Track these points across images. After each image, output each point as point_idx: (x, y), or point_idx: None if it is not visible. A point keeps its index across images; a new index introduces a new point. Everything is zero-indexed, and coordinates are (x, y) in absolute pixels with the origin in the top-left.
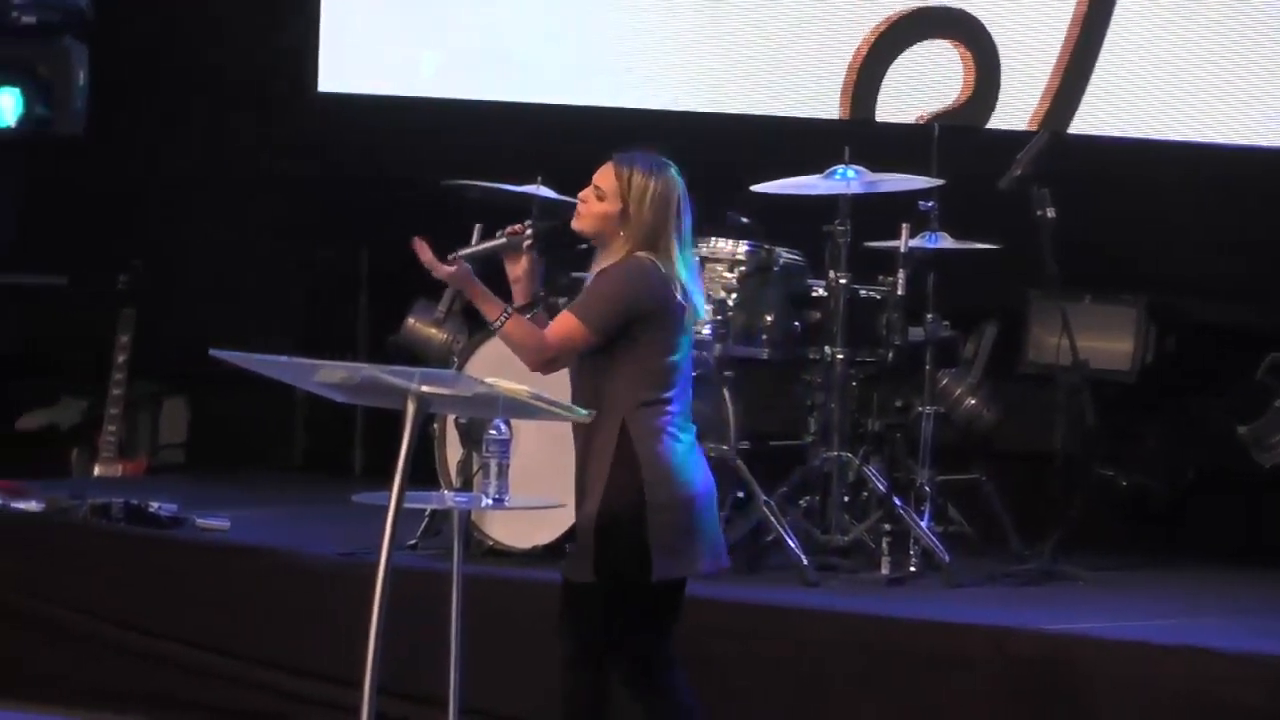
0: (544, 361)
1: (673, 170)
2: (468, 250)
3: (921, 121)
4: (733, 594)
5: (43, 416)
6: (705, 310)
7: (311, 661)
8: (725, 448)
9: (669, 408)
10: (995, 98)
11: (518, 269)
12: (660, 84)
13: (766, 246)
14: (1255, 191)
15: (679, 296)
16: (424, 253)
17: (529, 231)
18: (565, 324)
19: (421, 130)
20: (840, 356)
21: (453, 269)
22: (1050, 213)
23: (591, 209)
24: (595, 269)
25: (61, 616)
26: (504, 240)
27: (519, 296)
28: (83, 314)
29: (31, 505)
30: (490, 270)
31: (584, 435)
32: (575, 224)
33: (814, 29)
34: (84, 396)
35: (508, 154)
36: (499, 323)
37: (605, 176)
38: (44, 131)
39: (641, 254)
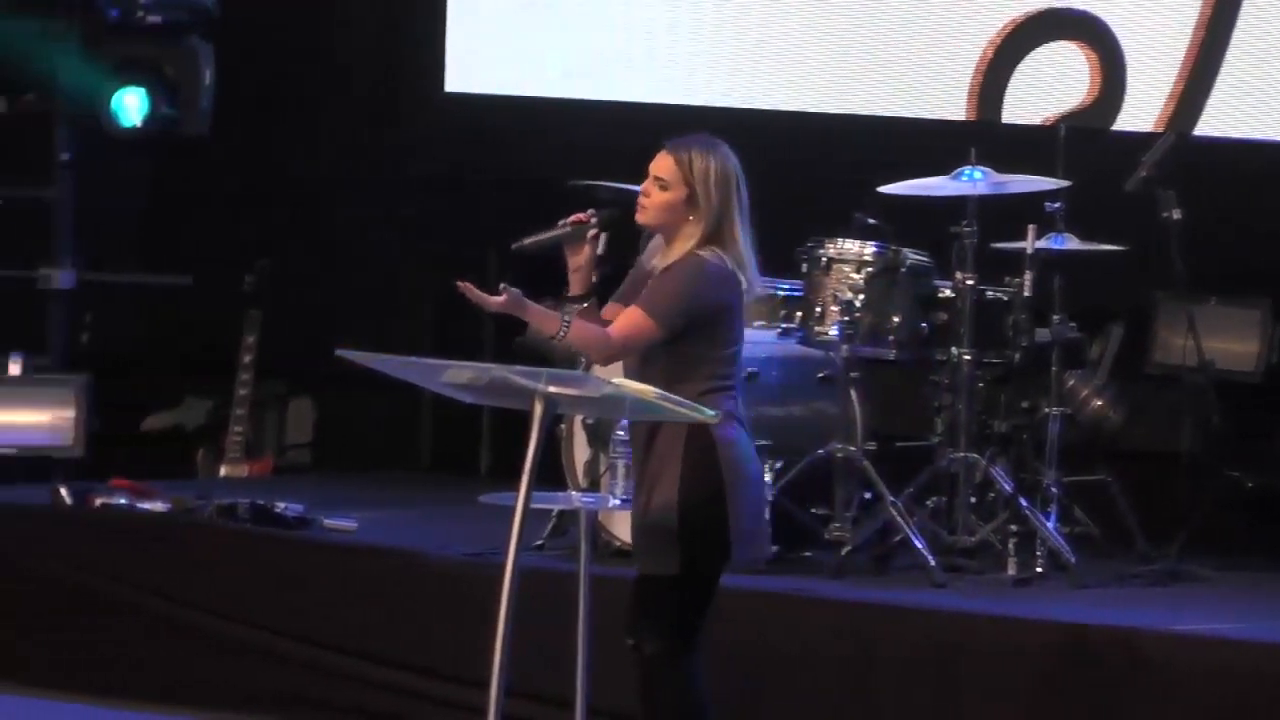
0: (609, 358)
1: (726, 148)
2: (531, 239)
3: (1048, 123)
4: (859, 595)
5: (168, 417)
6: (760, 285)
7: (438, 662)
8: (852, 448)
9: (734, 394)
10: (1121, 99)
11: (579, 258)
12: (788, 85)
13: (894, 248)
14: None
15: (744, 284)
16: (471, 293)
17: (593, 221)
18: (632, 319)
19: (548, 130)
20: (967, 357)
21: (503, 299)
22: (1176, 214)
23: (656, 200)
24: (664, 257)
25: (188, 617)
26: (568, 229)
27: (576, 286)
28: (208, 314)
29: (157, 506)
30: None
31: (650, 426)
32: (640, 217)
33: (941, 31)
34: (209, 397)
35: (634, 154)
36: (561, 333)
37: (664, 165)
38: (170, 131)
39: (705, 251)
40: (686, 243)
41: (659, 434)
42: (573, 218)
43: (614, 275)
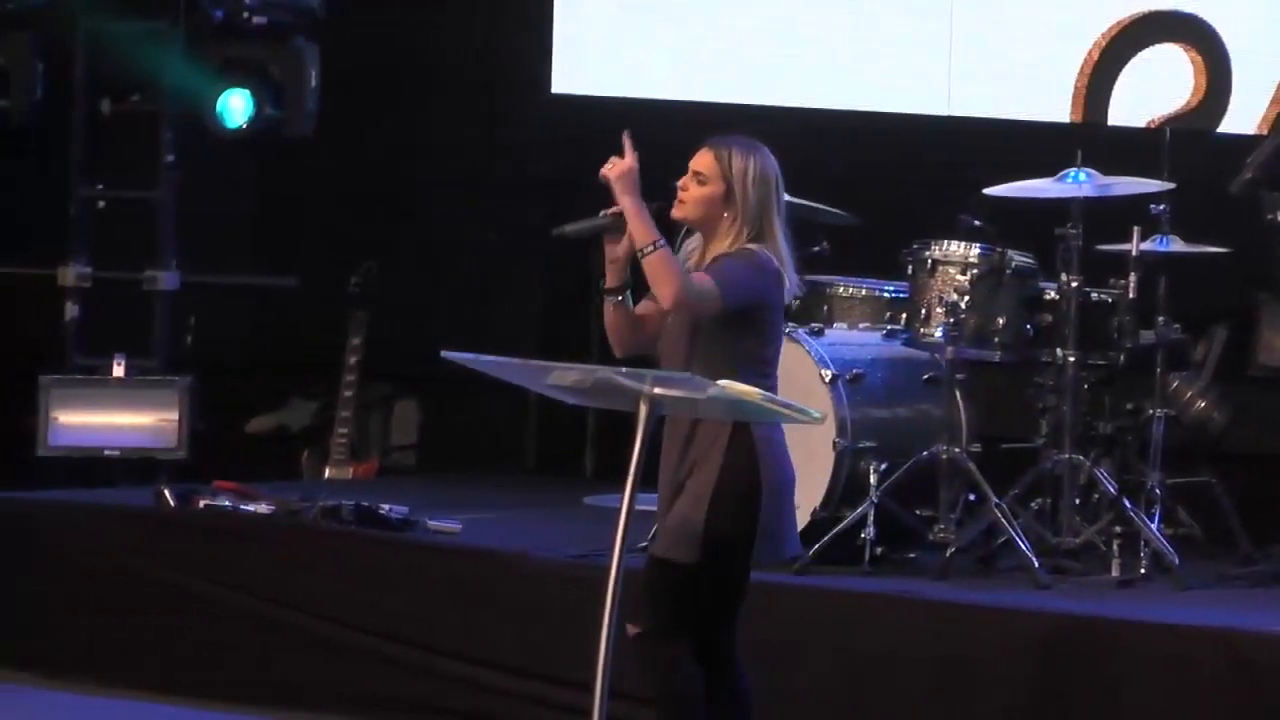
0: (679, 301)
1: (766, 149)
2: (572, 226)
3: (1153, 126)
4: (964, 596)
5: (273, 419)
6: (798, 284)
7: (542, 664)
8: (957, 450)
9: (775, 392)
10: (1226, 102)
11: (618, 250)
12: (895, 87)
13: (999, 249)
14: None
15: (787, 284)
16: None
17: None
18: (707, 282)
19: (653, 132)
20: (1072, 359)
21: (625, 166)
22: None
23: (694, 194)
24: (704, 253)
25: (291, 619)
26: (607, 220)
27: (612, 278)
28: (314, 316)
29: (261, 508)
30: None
31: (691, 420)
32: (676, 212)
33: (1047, 33)
34: (315, 399)
35: None
36: (648, 249)
37: (704, 161)
38: (275, 133)
39: (755, 246)
40: (725, 239)
41: (701, 424)
42: (613, 209)
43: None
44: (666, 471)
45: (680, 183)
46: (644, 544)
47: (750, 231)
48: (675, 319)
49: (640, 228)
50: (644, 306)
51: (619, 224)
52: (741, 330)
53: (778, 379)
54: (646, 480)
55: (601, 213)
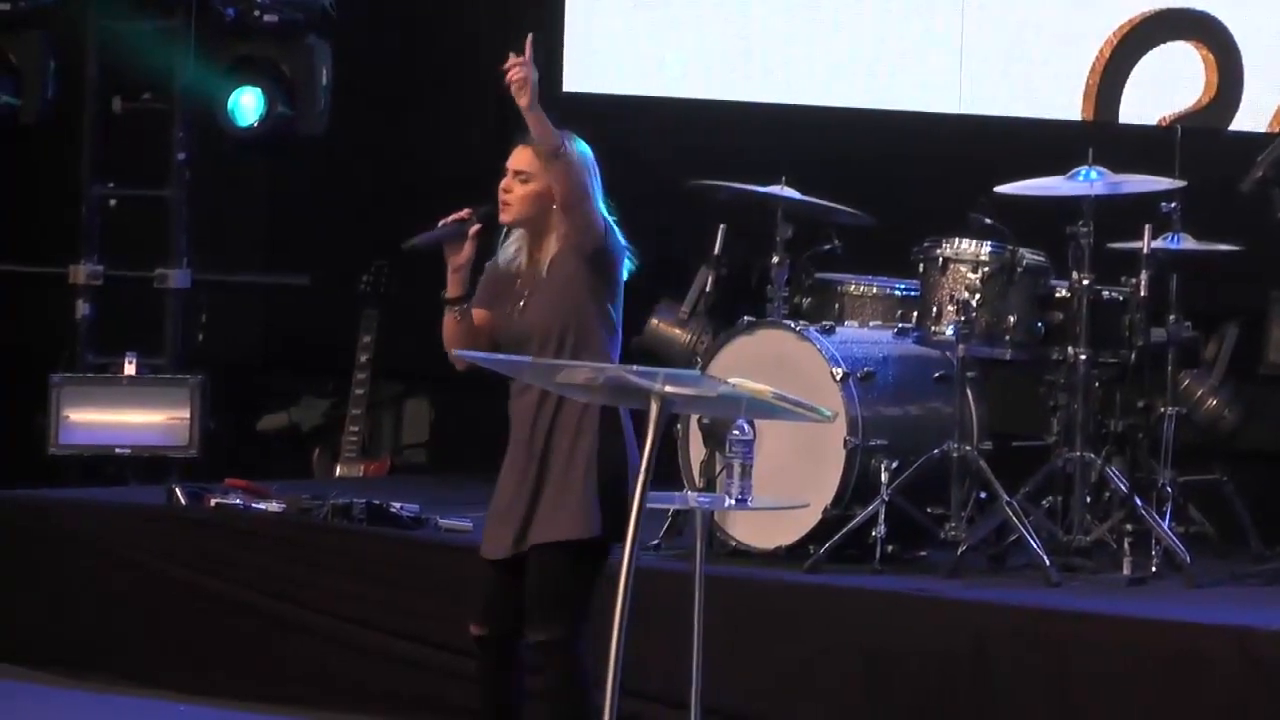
0: (578, 198)
1: (576, 136)
2: (417, 239)
3: (1164, 124)
4: (975, 594)
5: (284, 418)
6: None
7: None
8: (968, 448)
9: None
10: (1237, 100)
11: (459, 258)
12: (906, 86)
13: (1010, 247)
14: None
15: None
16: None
17: (474, 218)
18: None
19: (666, 130)
20: (1083, 357)
21: (528, 75)
22: None
23: (519, 194)
24: (535, 255)
25: (302, 617)
26: (451, 229)
27: (454, 288)
28: (325, 314)
29: (272, 506)
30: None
31: (555, 409)
32: (505, 216)
33: (1057, 31)
34: (326, 397)
35: (753, 155)
36: (558, 156)
37: (524, 158)
38: (286, 131)
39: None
40: (554, 233)
41: (570, 415)
42: (452, 216)
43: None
44: (525, 459)
45: (502, 185)
46: (655, 542)
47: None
48: (533, 302)
49: (544, 132)
50: (480, 315)
51: (460, 232)
52: (604, 314)
53: (610, 348)
54: (657, 478)
55: (440, 222)
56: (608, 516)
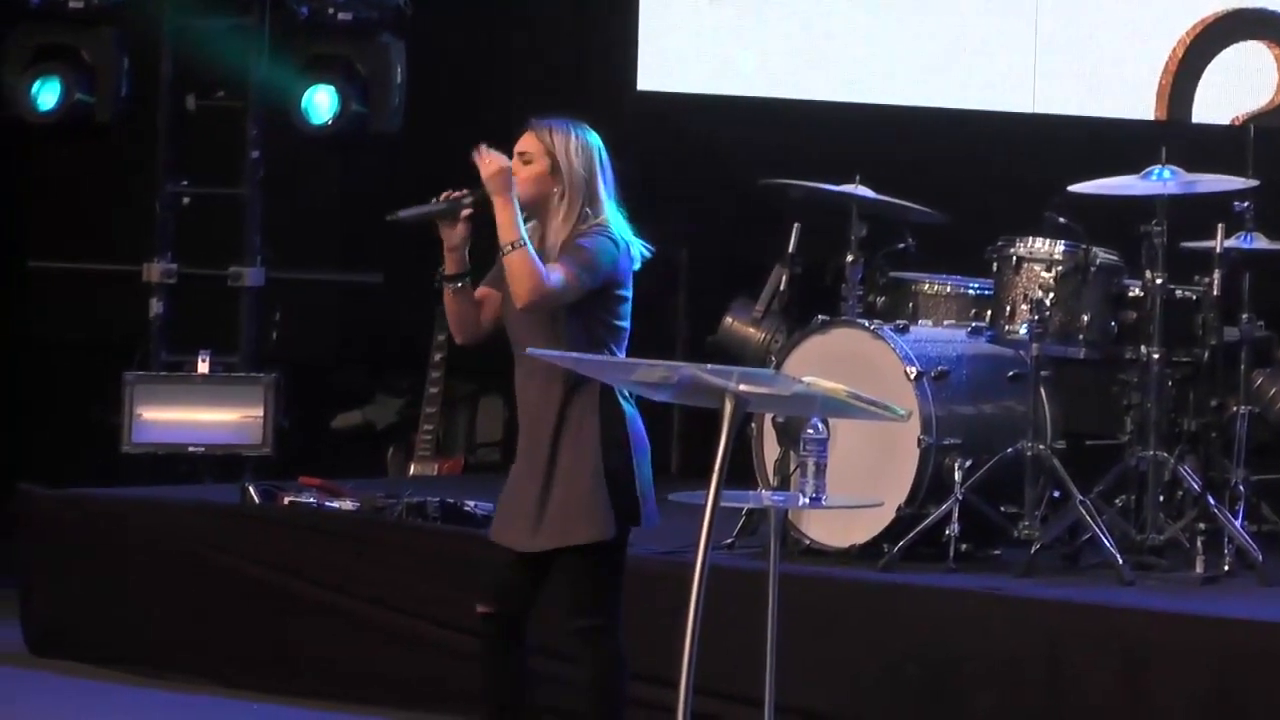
0: (536, 300)
1: (586, 126)
2: (407, 212)
3: (1237, 123)
4: (1048, 593)
5: (358, 416)
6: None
7: (630, 660)
8: (1042, 447)
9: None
10: None
11: (454, 236)
12: (980, 85)
13: (1084, 246)
14: None
15: (634, 257)
16: (481, 154)
17: (469, 199)
18: (562, 274)
19: (740, 129)
20: (1156, 356)
21: (496, 166)
22: None
23: (522, 175)
24: (542, 235)
25: (377, 615)
26: (443, 206)
27: (452, 265)
28: (399, 312)
29: (346, 504)
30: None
31: (560, 396)
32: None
33: (1131, 31)
34: (400, 395)
35: (826, 153)
36: (507, 249)
37: (527, 141)
38: (361, 129)
39: (600, 221)
40: (558, 215)
41: (573, 403)
42: (446, 194)
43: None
44: (533, 448)
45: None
46: (729, 540)
47: (581, 202)
48: (522, 315)
49: (507, 224)
50: (482, 293)
51: (454, 210)
52: (599, 306)
53: (608, 342)
54: (732, 476)
55: (435, 199)
56: (619, 514)
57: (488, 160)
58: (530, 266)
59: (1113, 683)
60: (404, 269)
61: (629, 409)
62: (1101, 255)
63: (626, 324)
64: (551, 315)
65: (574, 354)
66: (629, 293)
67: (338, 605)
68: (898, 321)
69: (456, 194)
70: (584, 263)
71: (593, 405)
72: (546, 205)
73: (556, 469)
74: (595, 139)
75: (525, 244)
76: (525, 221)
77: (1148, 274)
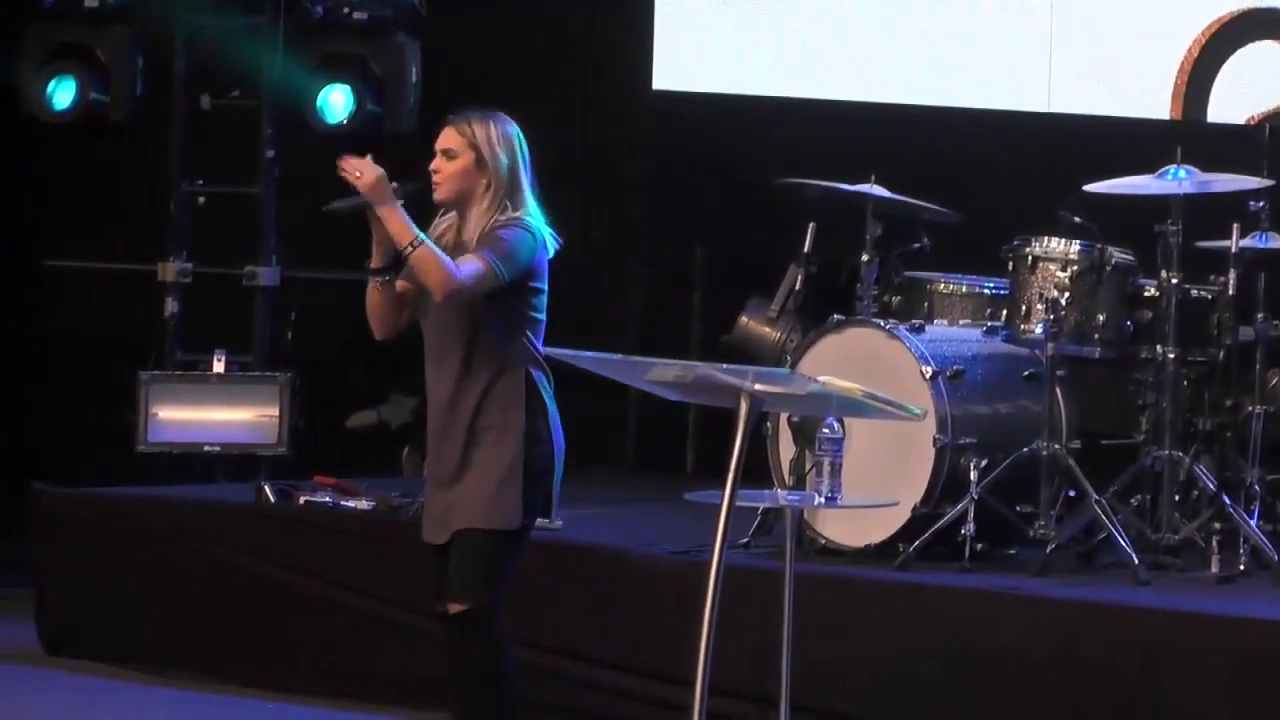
0: (448, 293)
1: (504, 114)
2: (340, 203)
3: (1253, 122)
4: (1063, 592)
5: (373, 415)
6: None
7: (643, 659)
8: (1057, 446)
9: (539, 353)
10: None
11: (383, 230)
12: (994, 84)
13: (1099, 246)
14: None
15: (550, 245)
16: (348, 164)
17: (398, 190)
18: (477, 264)
19: (755, 128)
20: (1171, 355)
21: (371, 176)
22: None
23: (448, 171)
24: (461, 229)
25: (391, 615)
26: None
27: (379, 259)
28: None
29: (361, 504)
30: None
31: (480, 385)
32: (437, 195)
33: (1146, 30)
34: (415, 394)
35: (842, 152)
36: (409, 249)
37: (449, 138)
38: (376, 129)
39: (519, 213)
40: (481, 206)
41: (495, 393)
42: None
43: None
44: (446, 440)
45: (432, 166)
46: (745, 540)
47: (504, 193)
48: (438, 308)
49: (399, 228)
50: (402, 286)
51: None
52: (517, 296)
53: (529, 333)
54: (747, 476)
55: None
56: (530, 505)
57: (361, 171)
58: (437, 261)
59: (1128, 682)
60: None
61: (551, 405)
62: (1117, 255)
63: (543, 316)
64: (470, 309)
65: (590, 353)
66: (545, 285)
67: (352, 605)
68: (913, 321)
69: (391, 185)
70: (502, 253)
71: (517, 398)
72: (470, 199)
73: (471, 460)
74: (515, 129)
75: (423, 241)
76: (444, 215)
77: (1163, 273)
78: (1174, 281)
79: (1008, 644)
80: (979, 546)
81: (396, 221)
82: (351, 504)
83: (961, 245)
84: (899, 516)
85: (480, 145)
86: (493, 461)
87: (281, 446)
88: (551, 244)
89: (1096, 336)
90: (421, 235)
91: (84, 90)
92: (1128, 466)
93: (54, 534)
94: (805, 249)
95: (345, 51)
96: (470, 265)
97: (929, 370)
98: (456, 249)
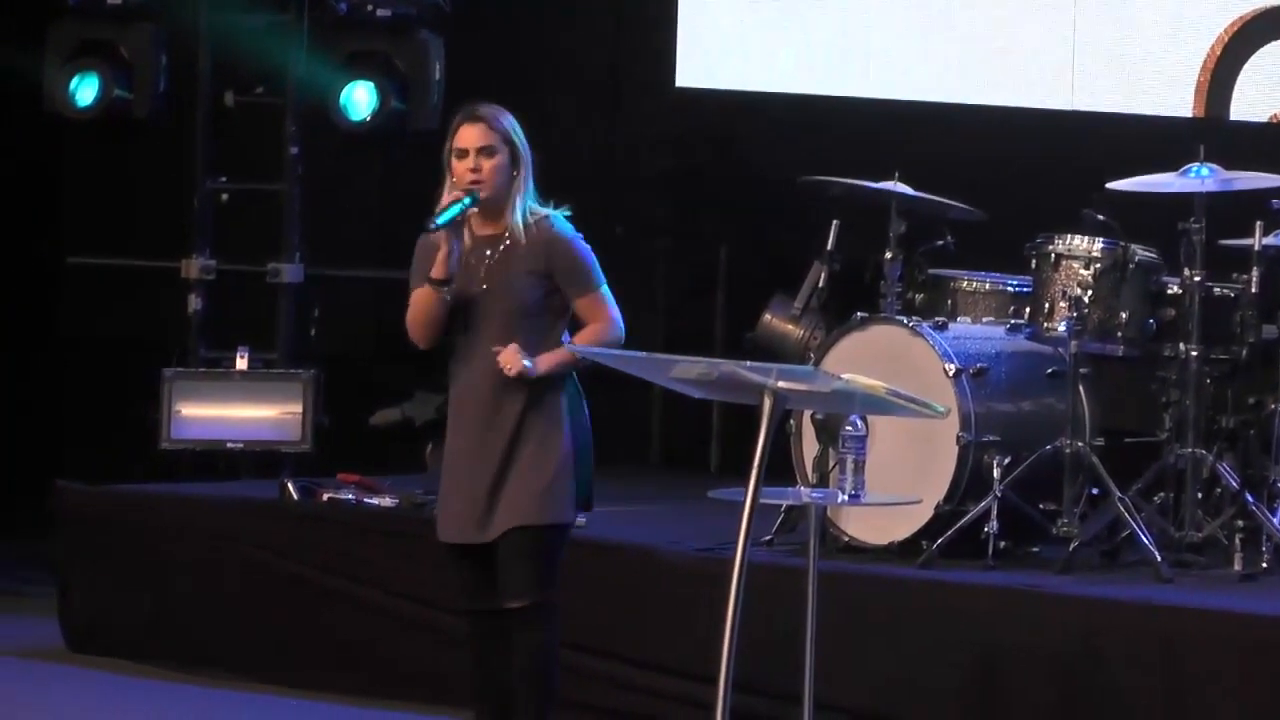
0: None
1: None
2: (439, 220)
3: (1275, 120)
4: (1086, 590)
5: (397, 412)
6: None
7: (667, 657)
8: (1080, 444)
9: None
10: None
11: (451, 240)
12: (1017, 82)
13: (1122, 244)
14: None
15: None
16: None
17: (471, 203)
18: (611, 306)
19: (779, 126)
20: (1194, 353)
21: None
22: None
23: (489, 168)
24: (508, 215)
25: (415, 612)
26: (463, 206)
27: (445, 270)
28: None
29: (385, 501)
30: None
31: (530, 388)
32: (484, 194)
33: (1169, 28)
34: (439, 392)
35: (865, 150)
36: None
37: (483, 135)
38: (400, 126)
39: (549, 211)
40: (517, 195)
41: (546, 390)
42: (451, 197)
43: None
44: (487, 440)
45: (467, 166)
46: (768, 537)
47: (528, 182)
48: (489, 302)
49: (567, 362)
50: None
51: (466, 214)
52: (559, 293)
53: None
54: (770, 473)
55: (448, 203)
56: (580, 498)
57: (509, 362)
58: (603, 344)
59: (1151, 679)
60: None
61: (581, 394)
62: (1140, 252)
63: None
64: (521, 309)
65: (614, 351)
66: None
67: (375, 602)
68: (936, 319)
69: (458, 195)
70: (596, 273)
71: (562, 393)
72: (505, 192)
73: (518, 456)
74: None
75: (587, 350)
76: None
77: (1186, 271)
78: (1197, 279)
79: (1030, 642)
80: (1002, 544)
81: (560, 362)
82: (375, 501)
83: (985, 243)
84: (922, 514)
85: (515, 141)
86: (544, 457)
87: (305, 444)
88: None
89: (1119, 334)
90: (591, 350)
91: (108, 87)
92: (1151, 464)
93: (77, 531)
94: (829, 246)
95: (369, 49)
96: (614, 316)
97: (952, 368)
98: (481, 243)
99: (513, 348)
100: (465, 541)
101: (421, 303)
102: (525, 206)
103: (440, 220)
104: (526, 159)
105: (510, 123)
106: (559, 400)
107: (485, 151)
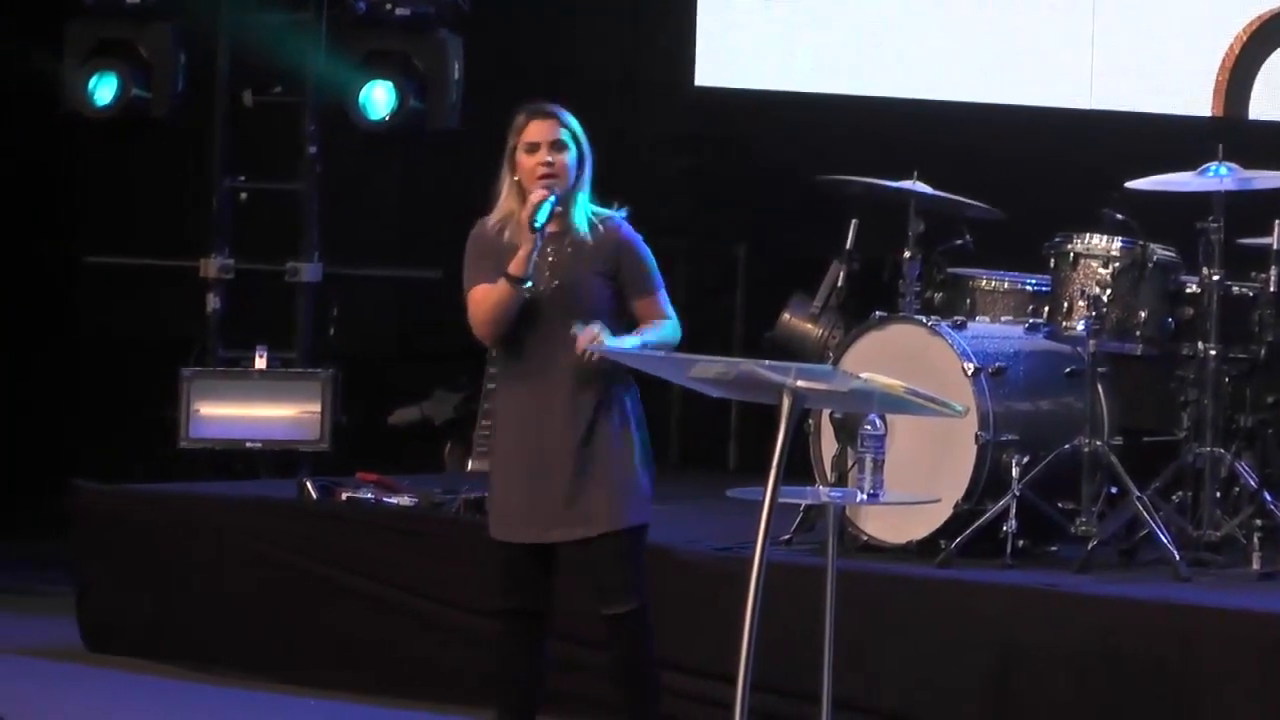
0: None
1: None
2: (540, 223)
3: None
4: (1105, 589)
5: (416, 411)
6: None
7: (685, 656)
8: (1099, 443)
9: None
10: None
11: (534, 239)
12: (1036, 81)
13: (1141, 243)
14: None
15: None
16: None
17: (556, 202)
18: (667, 303)
19: (798, 124)
20: (1213, 352)
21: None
22: None
23: (563, 162)
24: (573, 211)
25: (434, 611)
26: (550, 205)
27: (520, 267)
28: (457, 307)
29: (404, 500)
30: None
31: (600, 385)
32: (558, 187)
33: (1187, 27)
34: (458, 390)
35: (884, 149)
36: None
37: (554, 130)
38: (418, 125)
39: (606, 210)
40: (581, 190)
41: (613, 392)
42: (539, 196)
43: None
44: (557, 444)
45: (547, 159)
46: (787, 537)
47: (589, 181)
48: (557, 299)
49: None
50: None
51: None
52: (621, 302)
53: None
54: (789, 473)
55: (540, 202)
56: (653, 497)
57: (589, 338)
58: (667, 341)
59: (1168, 678)
60: (461, 264)
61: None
62: (1158, 252)
63: None
64: (593, 314)
65: (633, 350)
66: None
67: (395, 601)
68: (955, 318)
69: (544, 194)
70: (659, 277)
71: (629, 394)
72: (573, 188)
73: (595, 458)
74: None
75: (644, 341)
76: (558, 203)
77: (1204, 270)
78: (1215, 278)
79: (1049, 640)
80: (1020, 543)
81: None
82: (394, 500)
83: (1003, 242)
84: (941, 513)
85: (581, 137)
86: (622, 459)
87: (323, 443)
88: None
89: (1138, 333)
90: (613, 349)
91: (126, 87)
92: (1169, 463)
93: (95, 531)
94: (847, 246)
95: (388, 48)
96: (668, 310)
97: (971, 367)
98: (554, 240)
99: (597, 325)
100: (536, 541)
101: (496, 299)
102: (588, 205)
103: (540, 220)
104: (589, 158)
105: (575, 121)
106: (625, 398)
107: (556, 146)
